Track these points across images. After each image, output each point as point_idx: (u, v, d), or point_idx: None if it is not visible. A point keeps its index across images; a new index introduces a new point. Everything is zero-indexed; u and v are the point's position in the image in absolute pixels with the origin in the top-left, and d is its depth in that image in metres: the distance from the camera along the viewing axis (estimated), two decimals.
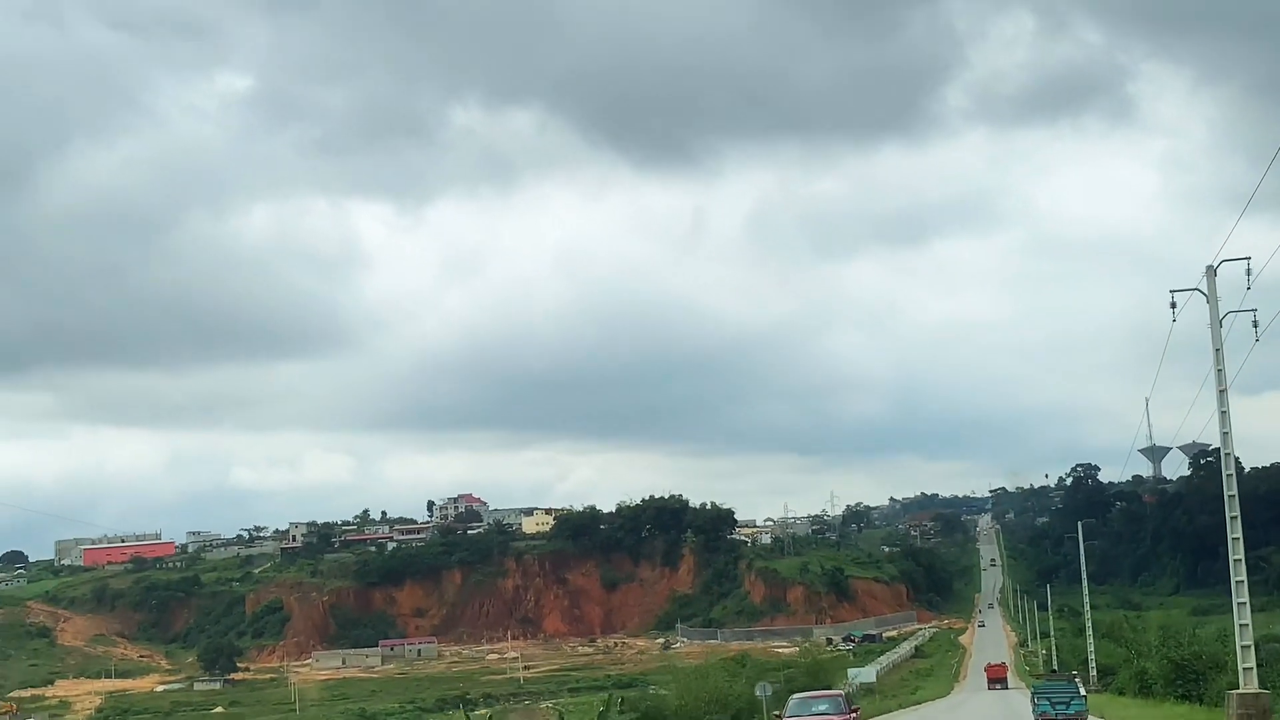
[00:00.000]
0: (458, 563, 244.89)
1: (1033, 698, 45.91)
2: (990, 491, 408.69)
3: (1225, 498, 31.18)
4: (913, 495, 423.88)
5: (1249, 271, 31.00)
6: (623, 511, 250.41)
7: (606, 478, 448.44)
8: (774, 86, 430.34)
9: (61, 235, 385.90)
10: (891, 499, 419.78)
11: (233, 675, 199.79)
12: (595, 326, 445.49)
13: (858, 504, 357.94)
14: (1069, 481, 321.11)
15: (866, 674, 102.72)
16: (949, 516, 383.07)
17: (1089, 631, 63.88)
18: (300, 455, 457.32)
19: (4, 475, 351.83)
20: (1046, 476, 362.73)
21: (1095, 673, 65.17)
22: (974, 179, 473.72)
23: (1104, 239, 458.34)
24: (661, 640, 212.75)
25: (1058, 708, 43.05)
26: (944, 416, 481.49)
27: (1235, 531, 31.75)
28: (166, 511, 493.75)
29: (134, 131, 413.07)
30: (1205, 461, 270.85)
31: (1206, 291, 32.06)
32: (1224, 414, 31.82)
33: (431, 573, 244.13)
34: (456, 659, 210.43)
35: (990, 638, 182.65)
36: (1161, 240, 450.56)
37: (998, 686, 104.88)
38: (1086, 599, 66.76)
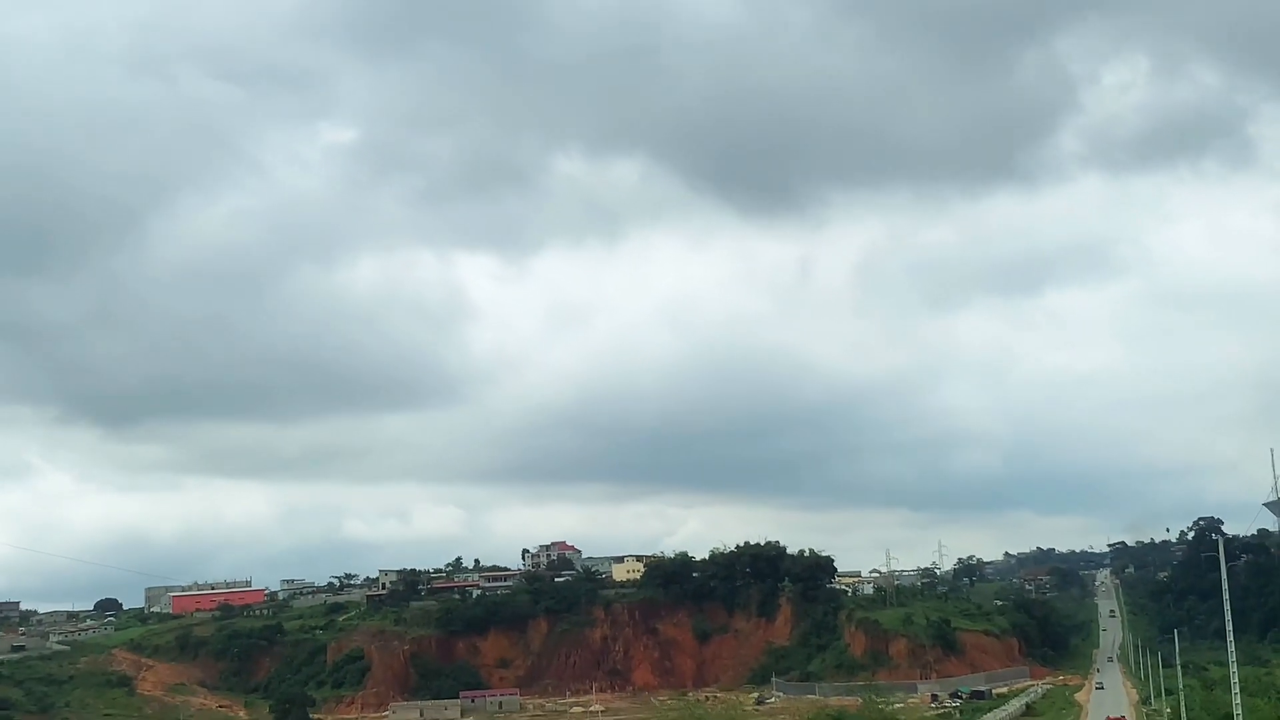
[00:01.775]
0: (544, 611, 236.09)
1: None
2: (1109, 546, 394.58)
3: None
4: (1028, 550, 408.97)
5: None
6: (716, 559, 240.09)
7: (714, 531, 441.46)
8: (881, 132, 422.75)
9: (172, 289, 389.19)
10: (1006, 554, 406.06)
11: None
12: (702, 378, 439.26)
13: (970, 557, 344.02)
14: (1191, 536, 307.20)
15: None
16: (1065, 571, 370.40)
17: (1235, 685, 52.48)
18: (409, 507, 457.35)
19: (119, 526, 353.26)
20: (1168, 531, 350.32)
21: None
22: (1089, 226, 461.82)
23: (1224, 287, 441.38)
24: (756, 694, 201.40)
25: None
26: (1060, 470, 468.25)
27: None
28: (278, 564, 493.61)
29: (241, 185, 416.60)
30: None
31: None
32: None
33: (517, 621, 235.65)
34: (539, 712, 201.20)
35: (1109, 695, 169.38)
36: None
37: None
38: (1232, 648, 54.95)
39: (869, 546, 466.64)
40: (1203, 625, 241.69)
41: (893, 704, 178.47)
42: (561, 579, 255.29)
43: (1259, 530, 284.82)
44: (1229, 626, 54.92)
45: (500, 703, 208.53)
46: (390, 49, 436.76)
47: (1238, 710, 52.61)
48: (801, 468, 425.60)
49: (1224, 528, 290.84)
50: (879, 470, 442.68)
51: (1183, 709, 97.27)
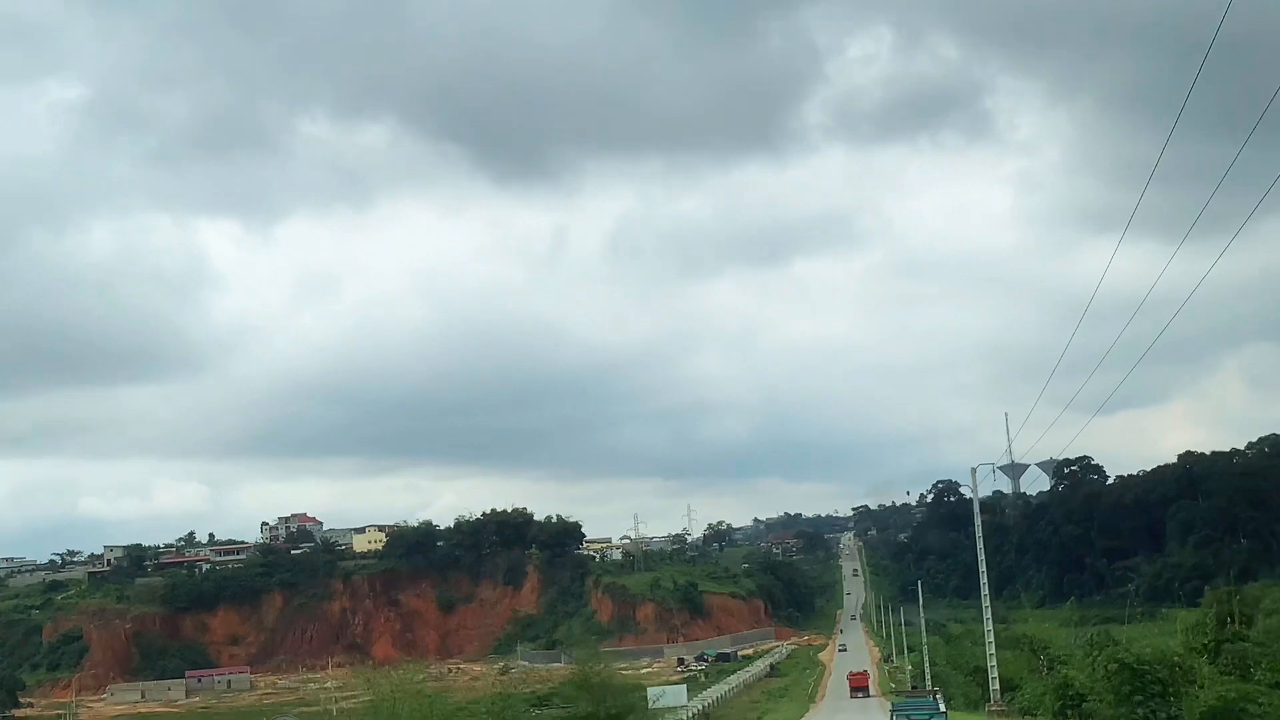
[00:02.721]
0: (278, 585, 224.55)
1: (891, 715, 42.36)
2: (853, 510, 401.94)
3: None
4: (776, 516, 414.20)
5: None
6: (462, 527, 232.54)
7: (469, 503, 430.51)
8: (634, 100, 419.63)
9: None
10: (755, 519, 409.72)
11: (15, 712, 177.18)
12: (455, 348, 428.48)
13: (720, 523, 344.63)
14: (929, 498, 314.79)
15: (675, 694, 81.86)
16: (812, 535, 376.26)
17: (990, 639, 48.53)
18: (149, 482, 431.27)
19: None
20: (908, 494, 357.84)
21: (998, 688, 48.87)
22: (834, 197, 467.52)
23: (960, 258, 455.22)
24: (501, 665, 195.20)
25: None
26: (807, 438, 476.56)
27: None
28: (13, 544, 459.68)
29: None
30: (1069, 471, 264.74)
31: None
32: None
33: (249, 596, 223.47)
34: (271, 690, 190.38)
35: (852, 655, 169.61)
36: (1016, 259, 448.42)
37: (860, 695, 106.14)
38: (988, 603, 50.80)
39: (624, 516, 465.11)
40: (941, 584, 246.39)
41: (639, 669, 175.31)
42: (299, 551, 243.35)
43: (994, 492, 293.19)
44: (984, 580, 51.46)
45: (229, 681, 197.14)
46: (121, 1, 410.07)
47: (993, 662, 48.93)
48: (556, 438, 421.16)
49: (961, 490, 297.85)
50: (633, 439, 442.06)
51: (926, 664, 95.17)
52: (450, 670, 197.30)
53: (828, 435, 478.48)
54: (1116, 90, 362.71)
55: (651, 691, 61.06)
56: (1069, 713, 36.81)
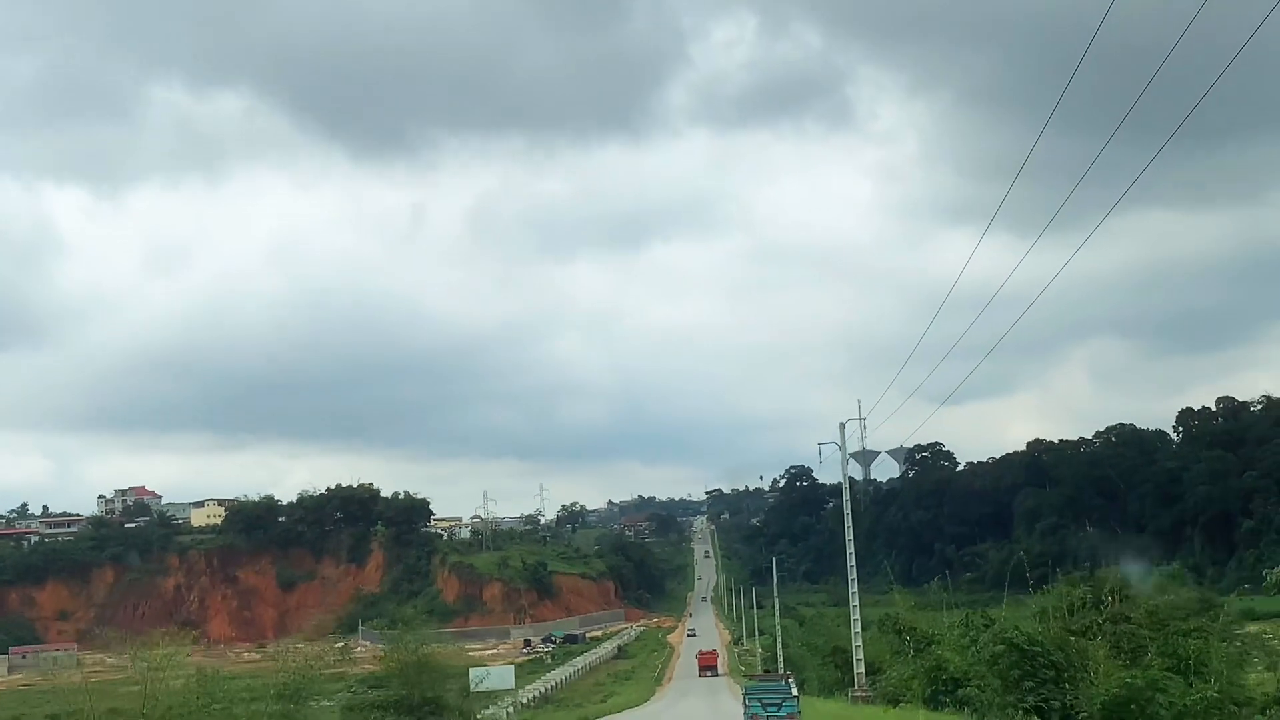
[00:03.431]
0: (110, 559, 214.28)
1: (744, 699, 41.16)
2: (706, 493, 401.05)
3: None
4: (630, 499, 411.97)
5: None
6: (305, 502, 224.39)
7: (323, 481, 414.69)
8: (495, 76, 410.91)
9: None
10: (610, 502, 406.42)
11: None
12: (311, 325, 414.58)
13: (573, 504, 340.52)
14: (782, 483, 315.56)
15: (501, 676, 70.67)
16: (665, 517, 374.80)
17: (856, 617, 44.89)
18: None
19: None
20: (761, 479, 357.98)
21: (863, 670, 45.01)
22: (695, 182, 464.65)
23: (819, 246, 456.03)
24: (341, 644, 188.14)
25: (769, 709, 39.16)
26: (664, 422, 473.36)
27: None
28: None
29: None
30: (920, 458, 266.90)
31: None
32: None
33: (79, 570, 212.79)
34: (100, 668, 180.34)
35: (702, 638, 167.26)
36: (874, 249, 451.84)
37: (709, 674, 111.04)
38: (854, 574, 46.90)
39: (477, 495, 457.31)
40: (793, 568, 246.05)
41: (483, 650, 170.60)
42: (133, 525, 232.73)
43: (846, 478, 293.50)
44: (851, 563, 48.39)
45: (55, 658, 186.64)
46: None
47: (858, 643, 45.36)
48: (412, 417, 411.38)
49: (814, 475, 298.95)
50: (489, 419, 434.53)
51: (779, 647, 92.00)
52: (286, 650, 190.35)
53: (685, 419, 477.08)
54: (975, 84, 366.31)
55: (474, 673, 55.19)
56: (943, 699, 33.39)
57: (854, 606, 47.72)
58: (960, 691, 33.36)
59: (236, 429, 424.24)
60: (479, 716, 50.25)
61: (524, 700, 73.82)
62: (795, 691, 40.77)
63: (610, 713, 68.62)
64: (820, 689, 63.44)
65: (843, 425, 45.68)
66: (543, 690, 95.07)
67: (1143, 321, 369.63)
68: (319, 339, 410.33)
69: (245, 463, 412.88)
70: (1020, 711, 26.26)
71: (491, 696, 54.22)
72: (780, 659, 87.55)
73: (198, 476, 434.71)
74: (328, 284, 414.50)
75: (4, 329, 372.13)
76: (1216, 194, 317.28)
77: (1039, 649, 26.92)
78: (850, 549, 48.12)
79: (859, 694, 42.57)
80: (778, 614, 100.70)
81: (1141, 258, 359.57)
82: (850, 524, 48.82)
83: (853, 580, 47.97)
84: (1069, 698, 26.28)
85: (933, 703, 34.37)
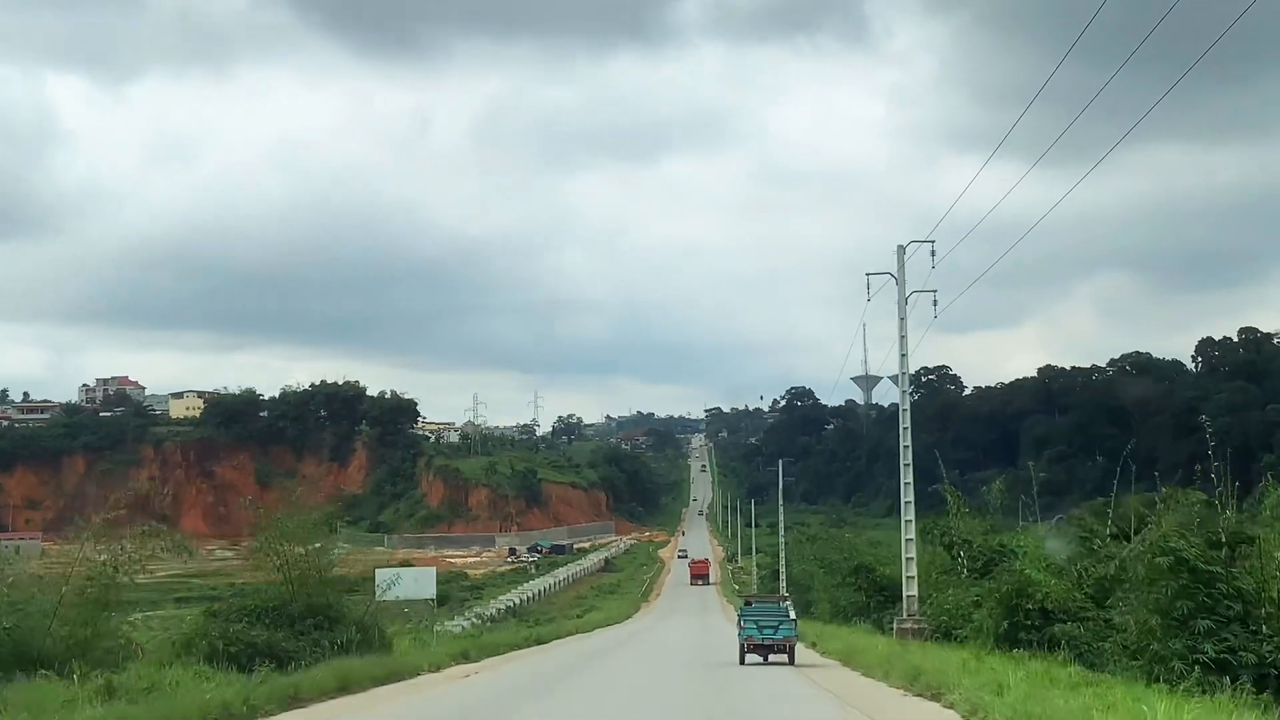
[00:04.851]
0: (82, 448, 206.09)
1: (739, 620, 38.67)
2: (705, 412, 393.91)
3: None
4: (629, 414, 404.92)
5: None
6: (288, 397, 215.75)
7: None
8: None
9: None
10: (607, 416, 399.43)
11: None
12: (314, 226, 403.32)
13: (570, 415, 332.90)
14: (783, 404, 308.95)
15: (418, 580, 54.09)
16: (662, 433, 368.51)
17: (910, 535, 36.48)
18: None
19: None
20: (761, 399, 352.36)
21: (915, 593, 37.08)
22: (708, 97, 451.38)
23: (827, 168, 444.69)
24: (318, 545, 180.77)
25: (765, 631, 36.84)
26: (665, 340, 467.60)
27: None
28: None
29: None
30: (926, 380, 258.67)
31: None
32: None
33: (50, 458, 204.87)
34: (63, 559, 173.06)
35: (695, 552, 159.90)
36: (885, 174, 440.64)
37: (700, 582, 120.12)
38: (910, 478, 37.95)
39: (472, 405, 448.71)
40: (790, 488, 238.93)
41: (466, 557, 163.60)
42: (108, 414, 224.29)
43: (847, 401, 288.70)
44: (906, 447, 39.01)
45: (18, 547, 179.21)
46: None
47: (911, 569, 36.25)
48: (413, 324, 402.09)
49: (815, 396, 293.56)
50: (488, 330, 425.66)
51: (783, 564, 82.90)
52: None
53: (685, 338, 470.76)
54: (991, 6, 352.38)
55: (381, 575, 43.75)
56: (1026, 637, 24.40)
57: (906, 523, 38.67)
58: (1056, 629, 24.46)
59: (238, 329, 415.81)
60: (419, 625, 41.24)
61: (490, 613, 65.45)
62: (793, 615, 37.39)
63: (582, 630, 59.87)
64: (835, 613, 54.72)
65: (901, 249, 36.41)
66: (517, 601, 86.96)
67: (1154, 256, 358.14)
68: (321, 241, 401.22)
69: (245, 363, 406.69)
70: (1196, 666, 17.21)
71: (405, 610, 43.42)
72: (783, 578, 78.94)
73: (193, 374, 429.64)
74: (332, 185, 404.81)
75: (3, 219, 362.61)
76: (1233, 129, 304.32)
77: (1217, 571, 17.87)
78: (905, 440, 38.95)
79: (908, 624, 33.68)
80: (781, 527, 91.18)
81: (1152, 191, 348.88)
82: (907, 407, 39.64)
83: (908, 484, 38.92)
84: (1267, 647, 17.35)
85: (1009, 642, 25.41)
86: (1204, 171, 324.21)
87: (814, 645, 43.31)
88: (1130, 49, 20.27)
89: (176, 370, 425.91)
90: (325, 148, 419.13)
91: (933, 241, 36.71)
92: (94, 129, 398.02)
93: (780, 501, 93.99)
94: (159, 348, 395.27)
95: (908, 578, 35.98)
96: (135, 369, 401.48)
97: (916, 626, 33.49)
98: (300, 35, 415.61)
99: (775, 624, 36.44)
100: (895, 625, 35.84)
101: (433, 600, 52.46)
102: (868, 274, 39.31)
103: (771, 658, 36.06)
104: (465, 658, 35.36)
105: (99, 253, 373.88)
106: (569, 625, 62.87)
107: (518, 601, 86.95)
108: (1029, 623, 25.23)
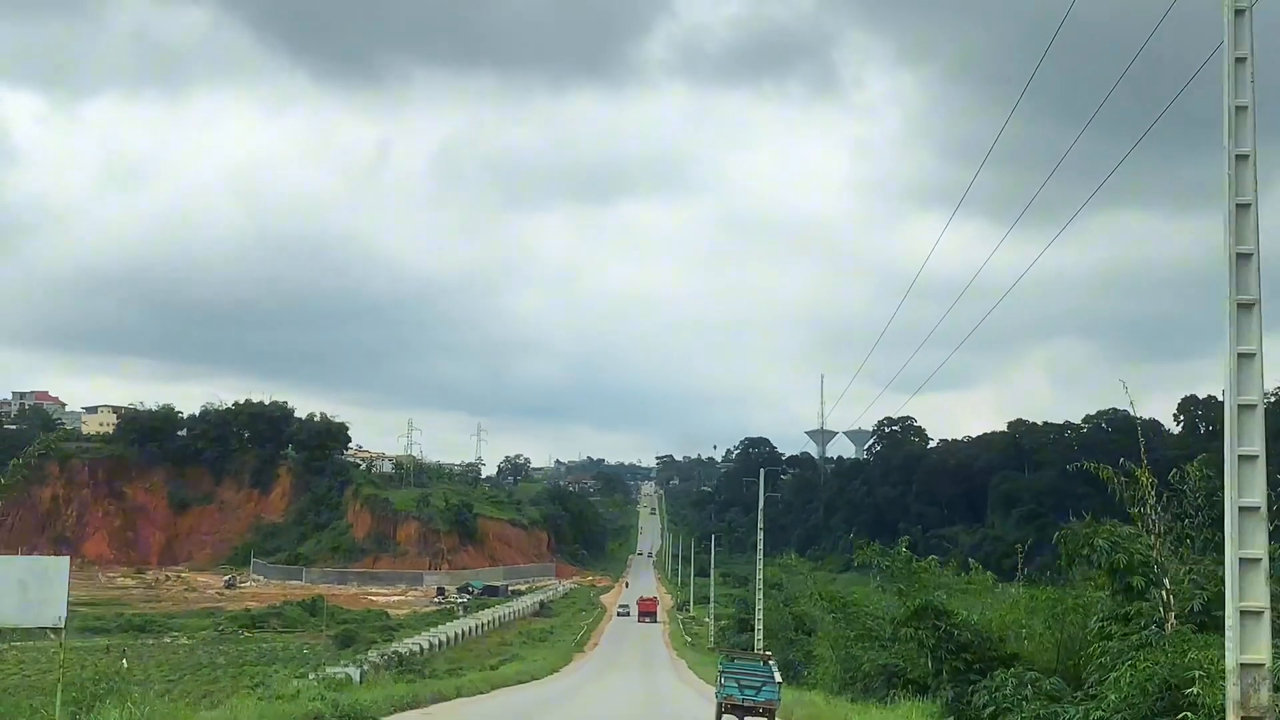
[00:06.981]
0: None
1: (719, 676, 34.69)
2: (657, 459, 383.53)
3: None
4: (579, 459, 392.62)
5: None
6: (208, 416, 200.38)
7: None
8: (468, 9, 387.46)
9: None
10: (557, 460, 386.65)
11: None
12: (267, 257, 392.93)
13: (517, 455, 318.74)
14: (737, 453, 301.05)
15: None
16: (612, 478, 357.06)
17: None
18: None
19: None
20: (715, 448, 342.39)
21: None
22: (669, 139, 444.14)
23: (790, 220, 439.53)
24: (228, 577, 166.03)
25: (746, 693, 33.40)
26: (619, 386, 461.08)
27: None
28: None
29: None
30: (890, 431, 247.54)
31: None
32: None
33: None
34: None
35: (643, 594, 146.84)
36: (846, 228, 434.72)
37: (647, 619, 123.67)
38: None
39: (418, 440, 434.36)
40: (743, 538, 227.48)
41: (389, 595, 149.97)
42: (13, 428, 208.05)
43: (802, 453, 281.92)
44: None
45: None
46: None
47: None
48: (364, 362, 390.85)
49: (771, 445, 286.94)
50: (441, 371, 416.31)
51: (759, 612, 67.96)
52: (168, 578, 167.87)
53: (641, 386, 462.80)
54: (963, 60, 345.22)
55: None
56: None
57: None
58: None
59: (183, 359, 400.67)
60: None
61: (375, 659, 51.35)
62: (778, 676, 34.75)
63: (479, 690, 44.97)
64: (852, 681, 38.40)
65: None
66: (426, 645, 72.93)
67: (1106, 324, 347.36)
68: (273, 273, 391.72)
69: (190, 394, 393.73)
70: None
71: None
72: (759, 632, 64.69)
73: (126, 401, 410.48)
74: (286, 216, 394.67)
75: None
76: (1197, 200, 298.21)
77: None
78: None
79: None
80: (760, 562, 75.09)
81: (1112, 259, 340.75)
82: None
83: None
84: None
85: None
86: (1164, 240, 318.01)
87: None
88: (1098, 110, 19.56)
89: (112, 398, 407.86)
90: (281, 176, 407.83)
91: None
92: (44, 148, 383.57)
93: (760, 533, 78.54)
94: (100, 373, 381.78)
95: None
96: (77, 397, 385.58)
97: None
98: (260, 60, 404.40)
99: (758, 685, 34.06)
100: None
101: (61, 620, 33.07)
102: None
103: None
104: None
105: (40, 275, 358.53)
106: (473, 679, 48.52)
107: (426, 646, 72.95)
108: None
